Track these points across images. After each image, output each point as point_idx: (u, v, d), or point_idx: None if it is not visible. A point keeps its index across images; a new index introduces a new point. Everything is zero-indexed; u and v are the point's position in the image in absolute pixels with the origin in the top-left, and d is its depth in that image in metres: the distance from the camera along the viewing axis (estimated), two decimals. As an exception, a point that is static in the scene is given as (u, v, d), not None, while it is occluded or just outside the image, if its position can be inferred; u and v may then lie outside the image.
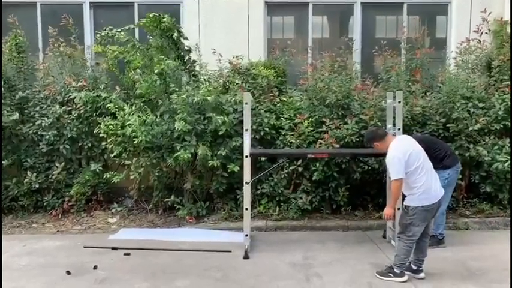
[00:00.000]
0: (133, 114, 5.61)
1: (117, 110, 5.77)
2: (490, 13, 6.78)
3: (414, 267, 4.16)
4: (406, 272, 4.10)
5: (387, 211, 4.18)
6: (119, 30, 5.95)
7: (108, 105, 5.82)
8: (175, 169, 6.00)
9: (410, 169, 3.95)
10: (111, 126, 5.67)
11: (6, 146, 6.23)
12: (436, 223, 4.72)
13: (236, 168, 5.70)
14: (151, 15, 5.82)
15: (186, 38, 6.12)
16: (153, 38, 6.02)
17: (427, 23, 7.64)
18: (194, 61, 6.24)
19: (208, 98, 5.57)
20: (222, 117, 5.61)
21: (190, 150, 5.53)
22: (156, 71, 5.58)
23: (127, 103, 5.94)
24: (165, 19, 5.82)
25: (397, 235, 4.17)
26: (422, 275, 4.14)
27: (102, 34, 5.94)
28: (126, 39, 5.90)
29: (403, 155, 3.95)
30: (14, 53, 6.40)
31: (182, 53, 6.09)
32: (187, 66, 6.19)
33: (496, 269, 4.36)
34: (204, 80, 6.27)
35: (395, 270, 4.08)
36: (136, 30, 6.98)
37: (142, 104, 5.88)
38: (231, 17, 7.22)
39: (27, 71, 6.54)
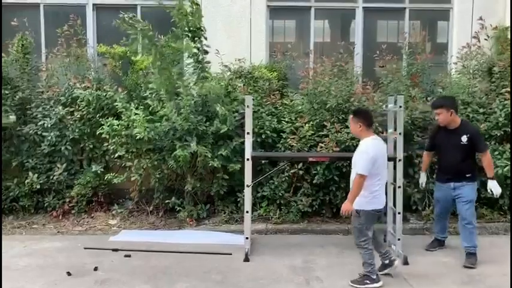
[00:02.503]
0: (140, 108, 5.61)
1: (124, 109, 5.78)
2: (484, 20, 6.81)
3: (386, 262, 4.24)
4: (385, 270, 4.20)
5: (346, 206, 3.98)
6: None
7: (116, 103, 5.83)
8: (176, 171, 6.00)
9: (372, 172, 3.99)
10: (116, 127, 5.69)
11: (9, 147, 6.24)
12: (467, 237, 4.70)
13: (238, 167, 5.71)
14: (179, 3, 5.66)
15: (205, 38, 6.03)
16: (175, 31, 5.76)
17: (428, 28, 7.67)
18: (208, 62, 6.18)
19: (216, 87, 5.64)
20: (224, 109, 5.62)
21: (189, 150, 5.55)
22: (185, 53, 5.56)
23: (130, 104, 5.96)
24: (194, 9, 5.74)
25: (355, 243, 4.16)
26: (396, 263, 4.26)
27: (104, 50, 6.00)
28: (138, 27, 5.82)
29: (374, 154, 3.99)
30: (20, 54, 6.42)
31: (199, 53, 6.04)
32: (202, 66, 6.13)
33: (495, 274, 4.37)
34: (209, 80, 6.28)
35: (371, 276, 4.08)
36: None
37: (152, 97, 5.91)
38: (233, 20, 7.24)
39: (31, 72, 6.56)
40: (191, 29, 5.76)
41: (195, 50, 5.72)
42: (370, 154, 3.96)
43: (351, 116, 4.28)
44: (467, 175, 4.72)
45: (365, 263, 4.11)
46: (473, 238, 4.72)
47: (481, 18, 6.78)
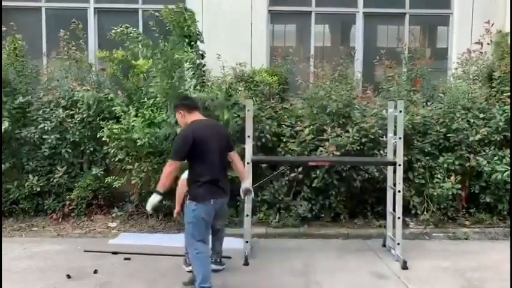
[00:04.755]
0: (138, 116, 5.58)
1: (122, 113, 5.78)
2: (493, 24, 6.84)
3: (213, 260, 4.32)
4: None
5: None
6: (129, 27, 5.83)
7: (115, 107, 5.82)
8: (177, 174, 6.00)
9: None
10: (115, 130, 5.70)
11: (5, 149, 6.21)
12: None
13: (234, 175, 5.71)
14: (172, 8, 5.67)
15: (202, 41, 6.06)
16: (171, 35, 5.86)
17: (428, 33, 7.70)
18: (204, 65, 6.22)
19: (218, 93, 5.64)
20: (228, 113, 5.63)
21: None
22: (179, 57, 5.49)
23: (131, 107, 5.97)
24: (187, 15, 5.73)
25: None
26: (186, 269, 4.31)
27: (118, 31, 5.74)
28: (138, 37, 5.79)
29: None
30: (12, 57, 6.38)
31: (196, 57, 6.06)
32: (198, 70, 6.16)
33: (495, 279, 4.37)
34: (208, 86, 6.30)
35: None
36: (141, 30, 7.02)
37: (153, 102, 5.90)
38: (234, 24, 7.26)
39: (30, 74, 6.57)
40: (187, 34, 5.81)
41: (192, 55, 5.71)
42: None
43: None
44: (186, 189, 3.92)
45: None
46: (198, 269, 3.71)
47: (488, 22, 6.80)
